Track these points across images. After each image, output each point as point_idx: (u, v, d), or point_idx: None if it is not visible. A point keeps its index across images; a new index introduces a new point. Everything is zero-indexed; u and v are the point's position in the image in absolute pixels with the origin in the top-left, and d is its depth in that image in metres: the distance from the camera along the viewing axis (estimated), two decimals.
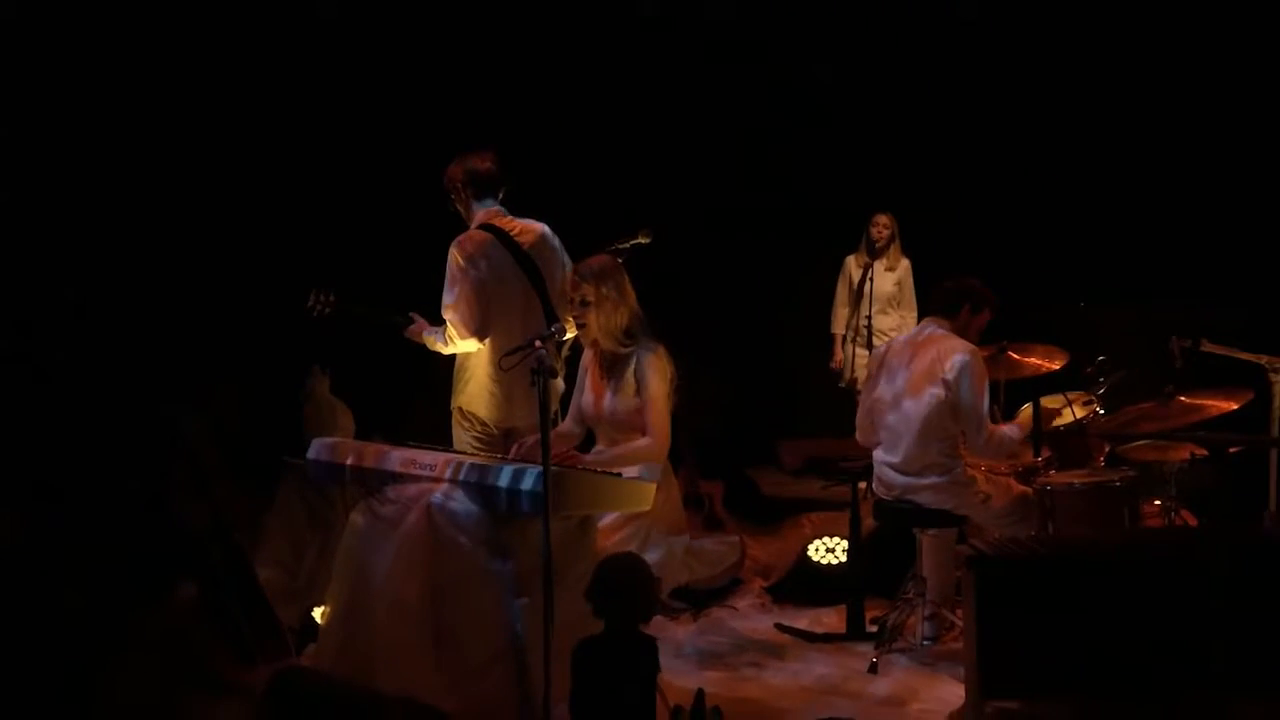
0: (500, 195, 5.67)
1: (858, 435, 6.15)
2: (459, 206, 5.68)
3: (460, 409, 5.67)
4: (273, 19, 7.60)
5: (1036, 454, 5.89)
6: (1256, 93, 7.63)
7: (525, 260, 5.52)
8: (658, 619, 5.74)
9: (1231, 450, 6.15)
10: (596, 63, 8.38)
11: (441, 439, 5.55)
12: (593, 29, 8.35)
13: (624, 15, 8.40)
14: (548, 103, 7.96)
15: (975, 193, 8.49)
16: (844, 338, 8.32)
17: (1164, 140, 7.93)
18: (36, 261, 6.83)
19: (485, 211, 5.62)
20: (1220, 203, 7.26)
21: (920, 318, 6.39)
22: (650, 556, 5.08)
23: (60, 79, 7.14)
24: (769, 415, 8.69)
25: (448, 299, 5.48)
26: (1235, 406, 5.82)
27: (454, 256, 5.47)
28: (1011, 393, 6.52)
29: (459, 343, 5.53)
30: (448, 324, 5.51)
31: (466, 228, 5.64)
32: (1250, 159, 7.47)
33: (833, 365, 8.45)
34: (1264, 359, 6.35)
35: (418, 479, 4.85)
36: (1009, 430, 5.89)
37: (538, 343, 4.65)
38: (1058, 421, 6.10)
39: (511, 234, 5.55)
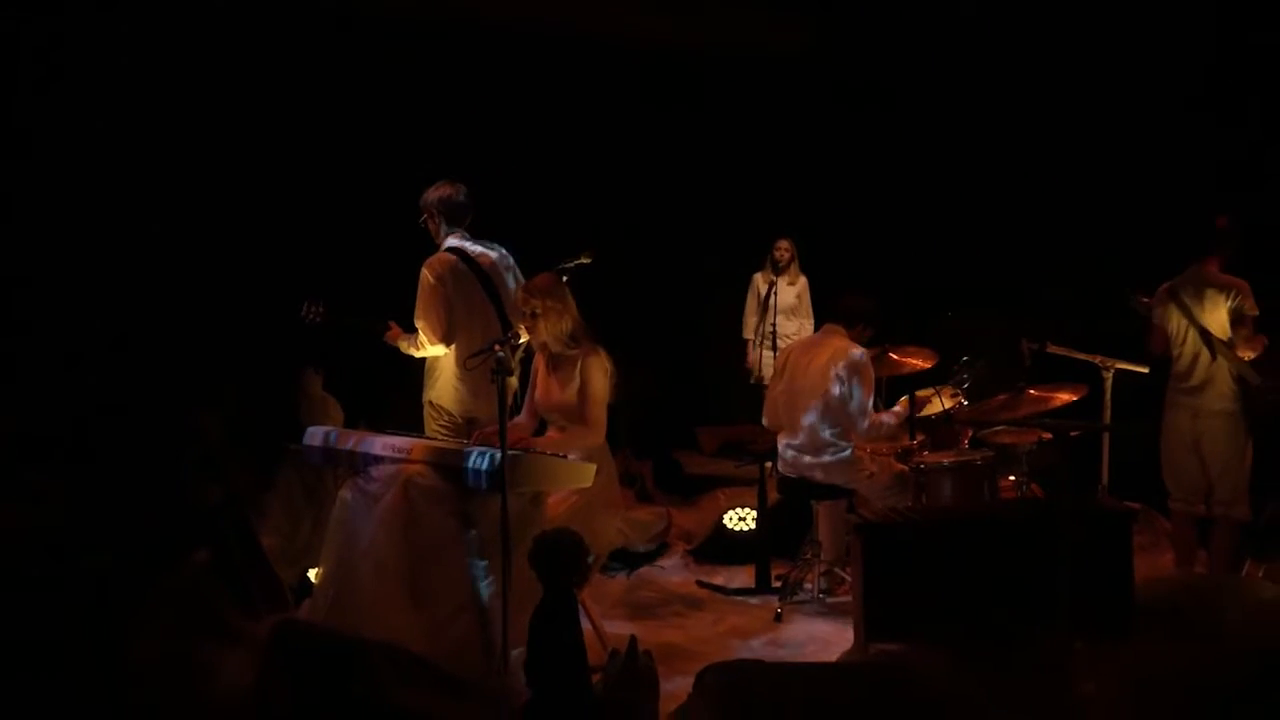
0: (466, 223, 5.66)
1: (765, 422, 6.18)
2: (430, 227, 5.66)
3: (430, 402, 5.66)
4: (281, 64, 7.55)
5: (912, 438, 5.95)
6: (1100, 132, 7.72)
7: (485, 279, 5.53)
8: (598, 577, 5.75)
9: (1072, 434, 6.21)
10: (552, 108, 8.38)
11: (415, 427, 5.53)
12: (539, 79, 8.34)
13: (567, 65, 8.40)
14: (504, 139, 7.91)
15: (861, 221, 8.54)
16: (753, 342, 8.36)
17: (1015, 178, 8.01)
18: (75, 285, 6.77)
19: (454, 236, 5.61)
20: (1062, 232, 7.34)
21: (817, 325, 6.42)
22: (590, 526, 5.11)
23: (95, 100, 7.02)
24: (690, 406, 8.69)
25: (419, 311, 5.46)
26: (1074, 398, 5.89)
27: (425, 275, 5.46)
28: (891, 388, 6.57)
29: (428, 347, 5.53)
30: (419, 331, 5.49)
31: (436, 246, 5.62)
32: (1085, 197, 7.56)
33: (747, 365, 8.47)
34: (1097, 359, 6.45)
35: (396, 461, 4.84)
36: (888, 418, 5.94)
37: (497, 347, 4.65)
38: (929, 411, 6.15)
39: (474, 257, 5.55)
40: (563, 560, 3.74)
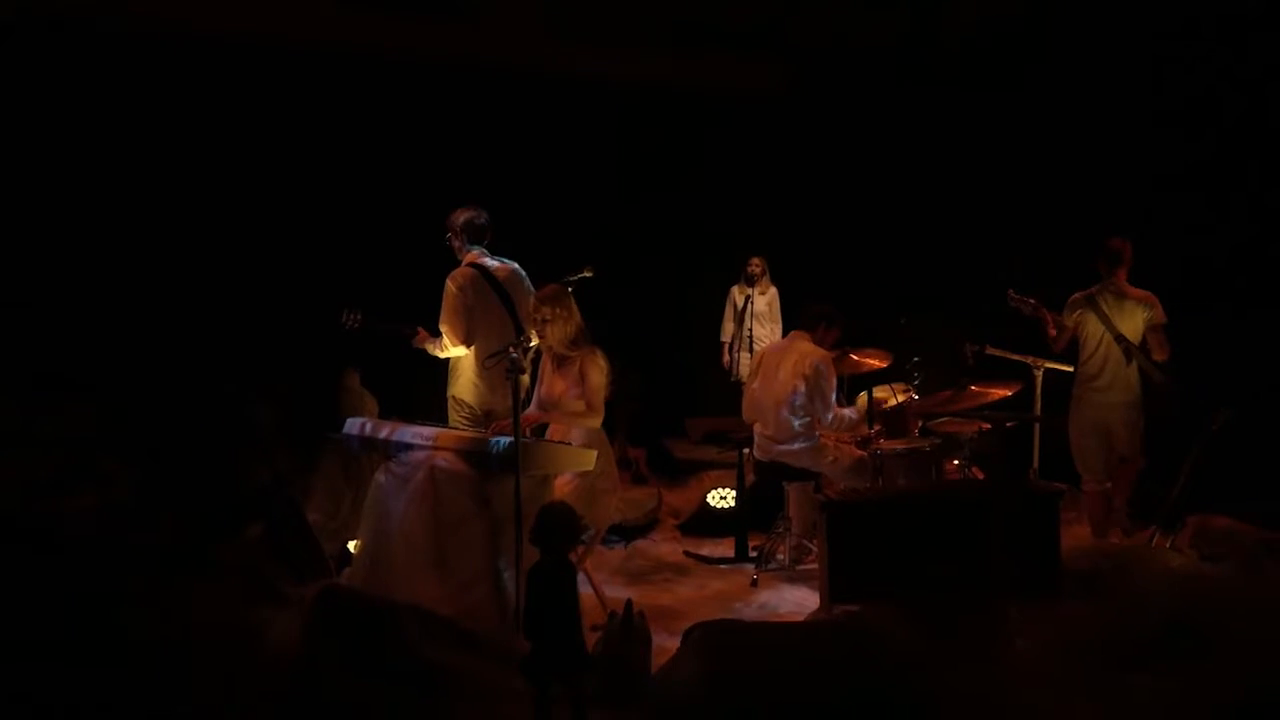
0: (485, 241, 5.66)
1: (743, 415, 6.19)
2: (454, 244, 5.64)
3: (453, 396, 5.64)
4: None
5: (870, 428, 5.96)
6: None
7: (501, 290, 5.52)
8: (599, 548, 5.76)
9: (1007, 424, 6.21)
10: (561, 143, 8.39)
11: (440, 419, 5.52)
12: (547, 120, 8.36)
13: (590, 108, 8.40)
14: (519, 170, 7.91)
15: (825, 239, 8.53)
16: (730, 345, 8.37)
17: (958, 204, 8.04)
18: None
19: (474, 253, 5.60)
20: (998, 251, 7.35)
21: (786, 331, 6.42)
22: (592, 504, 5.11)
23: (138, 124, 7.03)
24: (678, 401, 8.68)
25: (444, 317, 5.45)
26: (1009, 393, 5.88)
27: (449, 286, 5.45)
28: (852, 384, 6.57)
29: (451, 349, 5.51)
30: (443, 335, 5.49)
31: (458, 261, 5.61)
32: (1016, 222, 7.60)
33: (724, 364, 8.48)
34: (1029, 359, 6.45)
35: (423, 448, 4.83)
36: (849, 413, 5.94)
37: (511, 349, 4.65)
38: (885, 404, 6.17)
39: (492, 270, 5.54)
40: (561, 530, 3.75)
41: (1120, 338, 5.68)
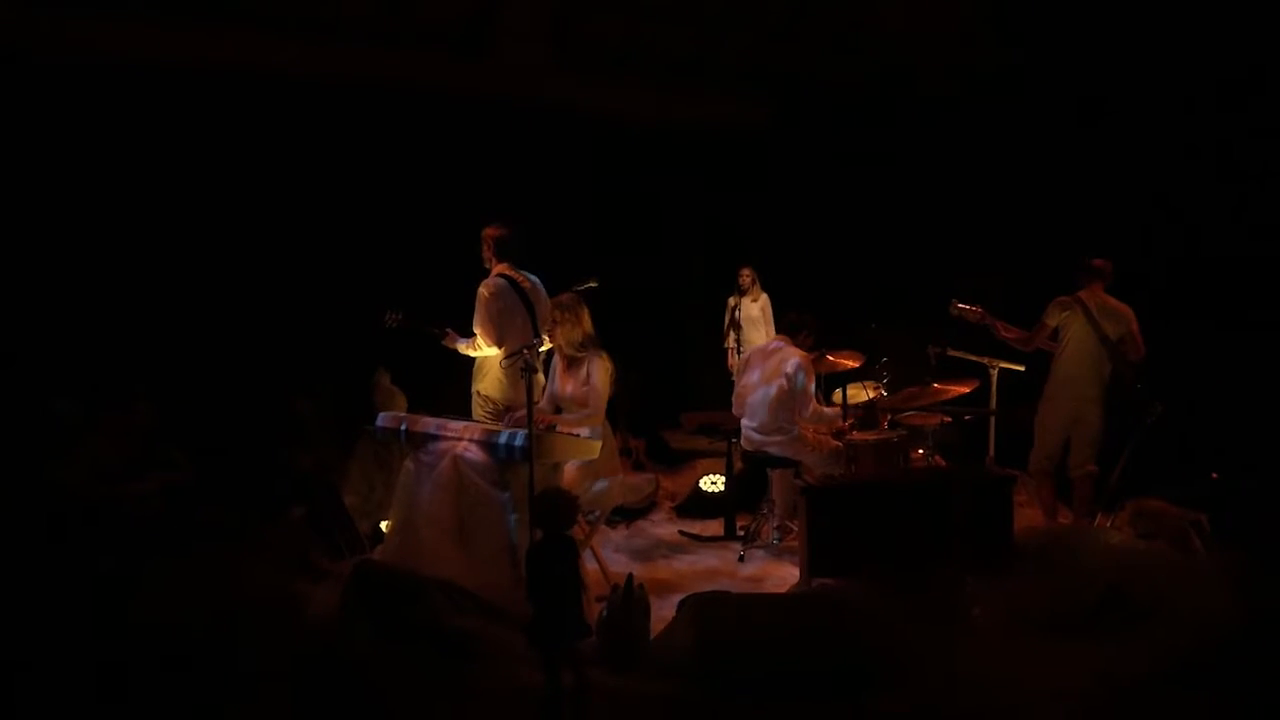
0: (514, 255, 5.61)
1: (733, 410, 6.19)
2: (486, 255, 5.57)
3: (478, 392, 5.58)
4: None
5: (844, 420, 5.96)
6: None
7: (525, 298, 5.48)
8: (602, 527, 5.76)
9: (966, 418, 6.24)
10: (576, 174, 8.41)
11: (463, 413, 5.53)
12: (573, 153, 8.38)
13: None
14: (542, 196, 7.91)
15: (808, 253, 8.53)
16: (732, 350, 8.33)
17: (923, 224, 8.07)
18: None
19: (503, 265, 5.56)
20: (958, 266, 7.37)
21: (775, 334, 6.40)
22: (597, 487, 5.11)
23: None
24: (674, 397, 8.68)
25: (477, 321, 5.40)
26: (968, 390, 5.89)
27: (481, 293, 5.39)
28: (829, 382, 6.55)
29: (484, 349, 5.45)
30: (477, 336, 5.45)
31: (488, 272, 5.56)
32: (976, 239, 7.63)
33: (729, 366, 8.43)
34: (986, 359, 6.45)
35: (448, 438, 4.84)
36: (828, 410, 5.94)
37: (525, 350, 4.66)
38: (858, 400, 6.17)
39: (518, 281, 5.51)
40: (557, 511, 3.77)
41: (1105, 339, 5.69)
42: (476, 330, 5.42)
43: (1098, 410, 5.71)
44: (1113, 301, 5.78)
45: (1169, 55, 6.69)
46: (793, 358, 5.75)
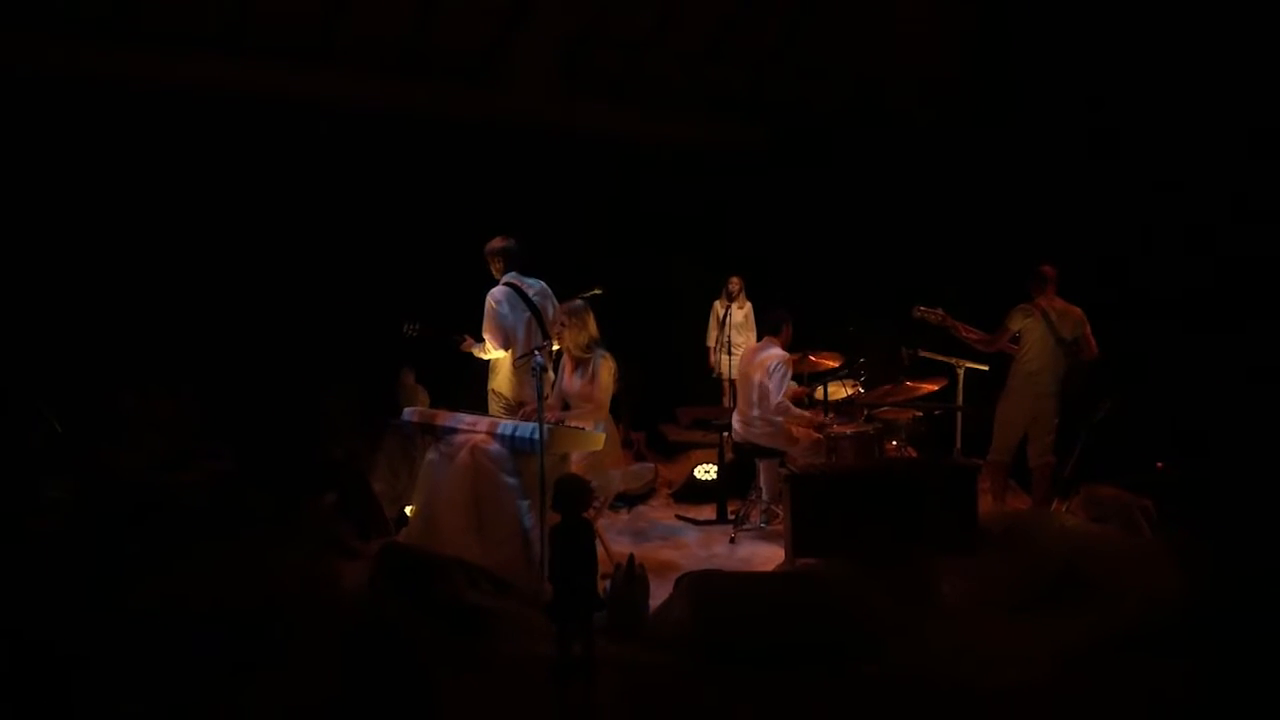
0: (519, 265, 5.62)
1: (726, 404, 6.15)
2: (493, 266, 5.58)
3: (493, 390, 5.59)
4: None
5: (825, 415, 5.97)
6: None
7: (531, 304, 5.49)
8: (607, 512, 5.76)
9: (935, 413, 6.23)
10: (579, 192, 8.40)
11: (480, 408, 5.53)
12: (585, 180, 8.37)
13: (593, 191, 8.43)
14: (546, 213, 7.90)
15: (790, 262, 8.53)
16: (714, 349, 8.37)
17: (896, 234, 8.07)
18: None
19: (510, 275, 5.58)
20: (930, 274, 7.37)
21: (760, 336, 6.39)
22: (601, 476, 5.14)
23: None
24: (672, 393, 8.68)
25: (486, 327, 5.41)
26: (937, 387, 5.90)
27: (489, 301, 5.40)
28: (811, 379, 6.55)
29: (492, 352, 5.49)
30: (486, 340, 5.48)
31: (496, 280, 5.56)
32: (947, 250, 7.64)
33: (709, 365, 8.47)
34: (954, 360, 6.46)
35: (466, 432, 4.84)
36: (798, 410, 5.90)
37: (537, 351, 4.67)
38: (837, 396, 6.18)
39: (523, 289, 5.52)
40: (575, 496, 3.77)
41: (1061, 341, 5.71)
42: (485, 334, 5.43)
43: (1054, 405, 5.73)
44: (1066, 305, 5.81)
45: (1137, 81, 6.70)
46: (773, 359, 5.76)
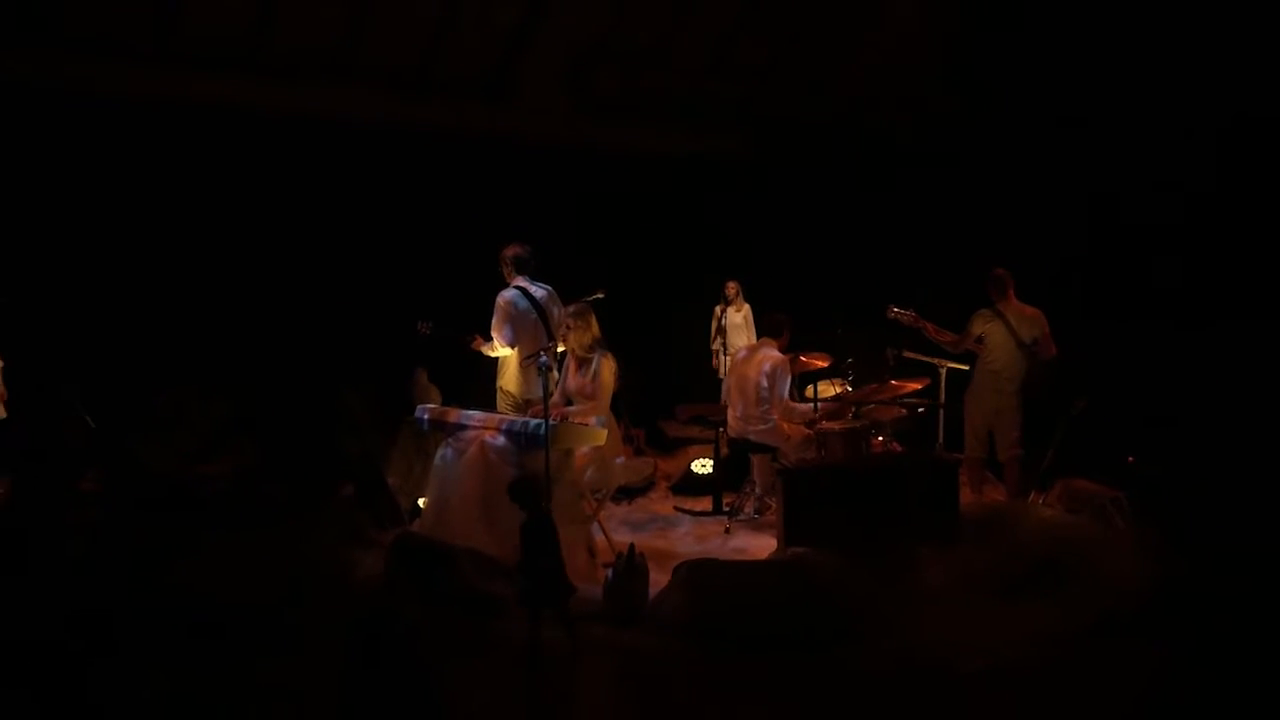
0: (529, 270, 5.59)
1: (722, 401, 6.16)
2: (505, 270, 5.55)
3: (501, 388, 5.57)
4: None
5: (815, 412, 5.97)
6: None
7: (538, 306, 5.48)
8: (609, 504, 5.73)
9: (919, 410, 6.24)
10: (584, 204, 8.41)
11: (489, 406, 5.53)
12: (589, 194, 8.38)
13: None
14: (552, 223, 7.87)
15: (784, 268, 8.46)
16: (717, 351, 8.34)
17: (876, 241, 8.08)
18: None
19: (520, 279, 5.55)
20: (913, 279, 7.35)
21: (759, 338, 6.38)
22: (603, 470, 5.13)
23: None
24: (670, 391, 8.65)
25: (495, 326, 5.41)
26: (920, 386, 5.88)
27: (499, 303, 5.40)
28: (803, 379, 6.55)
29: (500, 351, 5.50)
30: (495, 340, 5.48)
31: (506, 284, 5.54)
32: (925, 258, 7.65)
33: (713, 365, 8.44)
34: (936, 360, 6.45)
35: (476, 428, 4.84)
36: (801, 406, 5.94)
37: (542, 352, 4.67)
38: (827, 394, 6.18)
39: (531, 292, 5.51)
40: (534, 494, 3.79)
41: (1022, 343, 5.71)
42: (493, 334, 5.44)
43: (1015, 402, 5.72)
44: (1024, 307, 5.81)
45: (1114, 92, 6.71)
46: (769, 361, 5.75)
